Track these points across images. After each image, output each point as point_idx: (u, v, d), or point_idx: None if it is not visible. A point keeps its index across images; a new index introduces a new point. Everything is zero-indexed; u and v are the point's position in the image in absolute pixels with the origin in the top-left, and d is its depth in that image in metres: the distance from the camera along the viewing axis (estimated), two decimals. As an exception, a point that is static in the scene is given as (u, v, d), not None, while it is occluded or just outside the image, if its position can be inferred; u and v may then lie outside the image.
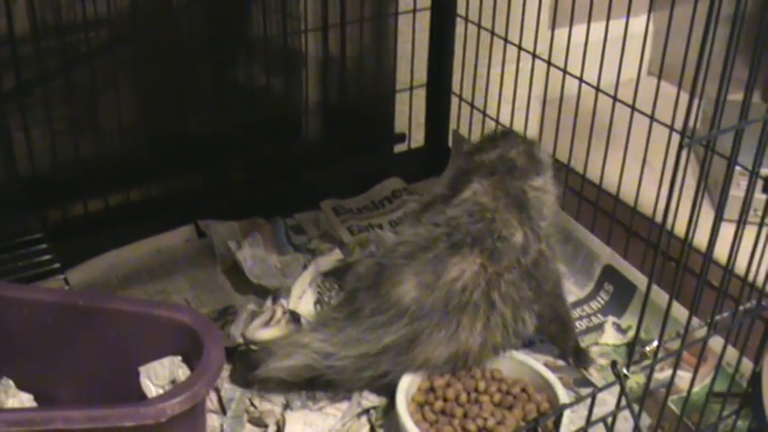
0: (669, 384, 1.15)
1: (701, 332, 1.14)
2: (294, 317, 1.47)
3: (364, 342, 1.31)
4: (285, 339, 1.37)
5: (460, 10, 1.82)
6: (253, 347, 1.40)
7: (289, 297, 1.50)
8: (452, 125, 1.93)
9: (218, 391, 1.36)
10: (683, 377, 1.37)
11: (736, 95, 0.95)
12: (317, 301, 1.52)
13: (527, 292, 1.35)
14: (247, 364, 1.37)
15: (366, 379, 1.33)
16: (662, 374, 1.42)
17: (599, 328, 1.55)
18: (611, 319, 1.57)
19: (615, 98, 1.58)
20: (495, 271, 1.32)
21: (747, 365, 1.30)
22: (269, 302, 1.51)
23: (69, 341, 1.16)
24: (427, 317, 1.30)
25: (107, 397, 1.10)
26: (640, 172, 1.60)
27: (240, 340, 1.42)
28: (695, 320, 1.08)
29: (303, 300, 1.51)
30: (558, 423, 1.06)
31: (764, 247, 1.15)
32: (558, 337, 1.45)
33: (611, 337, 1.53)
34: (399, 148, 2.02)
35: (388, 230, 1.76)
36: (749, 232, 1.08)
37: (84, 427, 0.96)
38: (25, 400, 1.20)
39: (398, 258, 1.35)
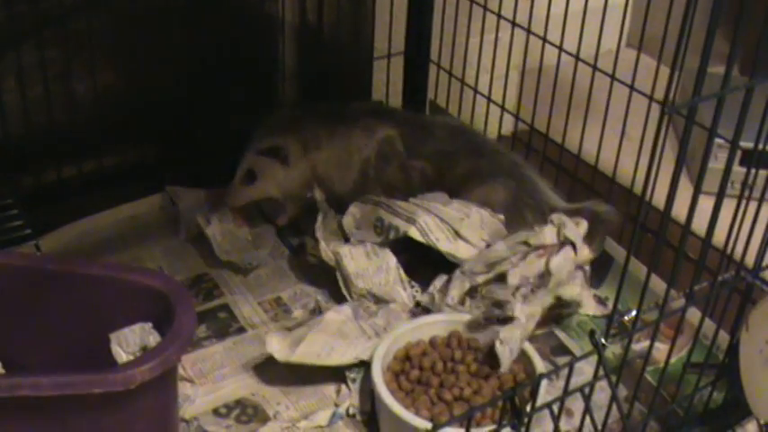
0: (647, 354, 1.14)
1: (679, 303, 1.13)
2: None
3: None
4: None
5: (440, -23, 1.81)
6: None
7: None
8: (430, 94, 1.91)
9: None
10: (660, 349, 1.37)
11: (713, 68, 0.94)
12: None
13: None
14: None
15: None
16: (638, 346, 1.41)
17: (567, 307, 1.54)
18: (591, 290, 1.56)
19: (595, 67, 1.57)
20: None
21: (724, 338, 1.30)
22: None
23: (38, 306, 1.14)
24: None
25: (77, 364, 1.09)
26: (619, 143, 1.59)
27: None
28: (673, 292, 1.08)
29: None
30: (534, 393, 1.05)
31: (743, 219, 1.15)
32: None
33: (591, 308, 1.53)
34: (376, 116, 2.00)
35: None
36: (727, 204, 1.08)
37: (52, 393, 0.95)
38: (-7, 366, 1.18)
39: None
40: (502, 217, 1.53)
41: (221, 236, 1.61)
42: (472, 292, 1.42)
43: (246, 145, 1.64)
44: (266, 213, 1.72)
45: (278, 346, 1.33)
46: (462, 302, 1.42)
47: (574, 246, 1.45)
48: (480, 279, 1.42)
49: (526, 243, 1.45)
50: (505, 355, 1.27)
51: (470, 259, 1.46)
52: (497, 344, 1.28)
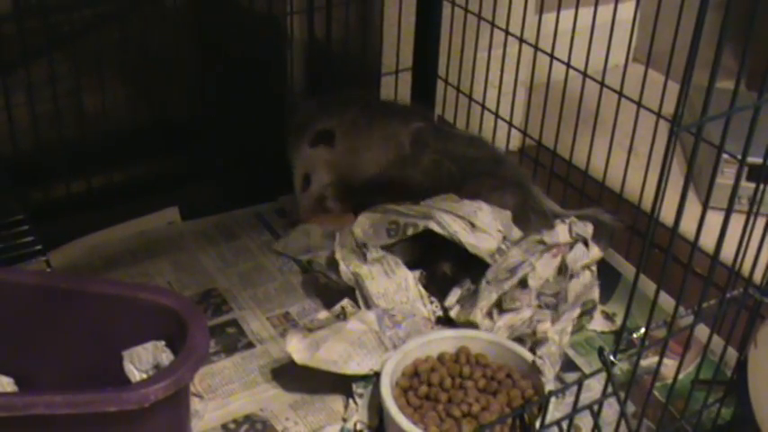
0: (655, 371, 1.14)
1: (687, 320, 1.13)
2: None
3: None
4: None
5: (448, -6, 1.81)
6: None
7: None
8: (438, 109, 1.92)
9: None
10: (669, 365, 1.37)
11: (720, 83, 0.94)
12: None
13: None
14: None
15: None
16: (646, 362, 1.42)
17: (589, 313, 1.55)
18: (599, 306, 1.56)
19: (602, 84, 1.57)
20: None
21: (732, 354, 1.30)
22: None
23: (51, 324, 1.15)
24: None
25: (90, 381, 1.09)
26: (627, 159, 1.60)
27: None
28: (681, 309, 1.08)
29: None
30: (544, 410, 1.05)
31: (751, 235, 1.15)
32: None
33: (599, 324, 1.53)
34: (384, 131, 2.00)
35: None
36: (735, 220, 1.08)
37: (67, 412, 0.96)
38: (6, 383, 1.18)
39: None
40: (509, 212, 1.55)
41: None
42: (499, 303, 1.44)
43: (294, 135, 1.69)
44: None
45: (297, 347, 1.34)
46: (490, 313, 1.43)
47: (585, 243, 1.49)
48: (506, 286, 1.43)
49: (541, 242, 1.48)
50: (547, 367, 1.29)
51: (490, 261, 1.48)
52: (536, 360, 1.30)
